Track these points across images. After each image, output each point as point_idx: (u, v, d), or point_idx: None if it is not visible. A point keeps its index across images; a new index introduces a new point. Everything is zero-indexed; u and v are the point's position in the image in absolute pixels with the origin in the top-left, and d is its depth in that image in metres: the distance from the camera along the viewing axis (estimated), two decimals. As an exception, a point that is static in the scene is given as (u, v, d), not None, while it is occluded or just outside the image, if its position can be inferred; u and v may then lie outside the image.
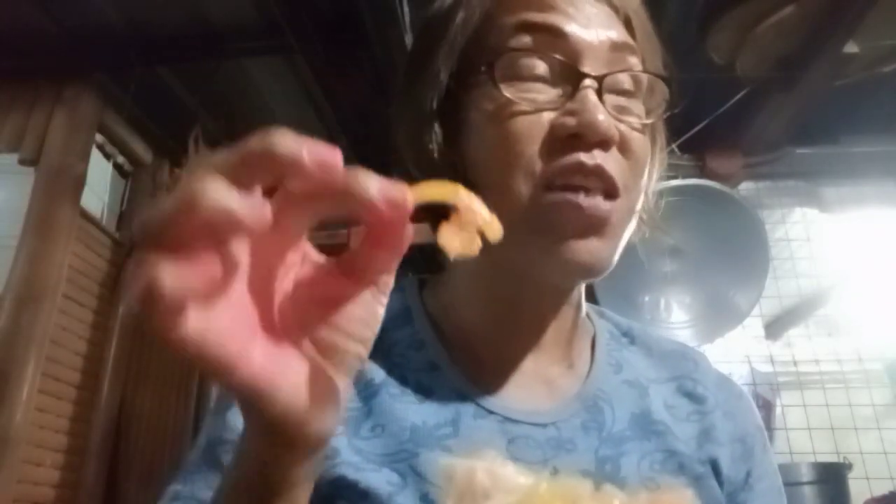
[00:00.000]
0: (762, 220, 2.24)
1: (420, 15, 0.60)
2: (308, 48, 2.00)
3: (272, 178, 0.28)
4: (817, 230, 2.55)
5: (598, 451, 0.51)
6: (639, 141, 0.52)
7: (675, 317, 2.25)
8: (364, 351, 0.33)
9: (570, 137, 0.49)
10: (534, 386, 0.55)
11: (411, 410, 0.51)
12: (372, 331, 0.33)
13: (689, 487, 0.50)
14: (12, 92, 2.23)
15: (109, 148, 2.42)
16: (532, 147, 0.50)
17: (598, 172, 0.49)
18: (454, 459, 0.30)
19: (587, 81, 0.50)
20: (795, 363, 2.40)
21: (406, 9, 1.74)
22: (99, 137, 2.31)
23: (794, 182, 2.60)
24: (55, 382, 2.07)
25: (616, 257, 0.52)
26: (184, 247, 0.26)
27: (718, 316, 2.24)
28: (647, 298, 2.25)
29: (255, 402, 0.29)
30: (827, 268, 2.48)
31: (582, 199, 0.48)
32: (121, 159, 2.49)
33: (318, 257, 0.33)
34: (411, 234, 0.31)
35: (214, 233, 0.27)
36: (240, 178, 0.27)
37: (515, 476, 0.29)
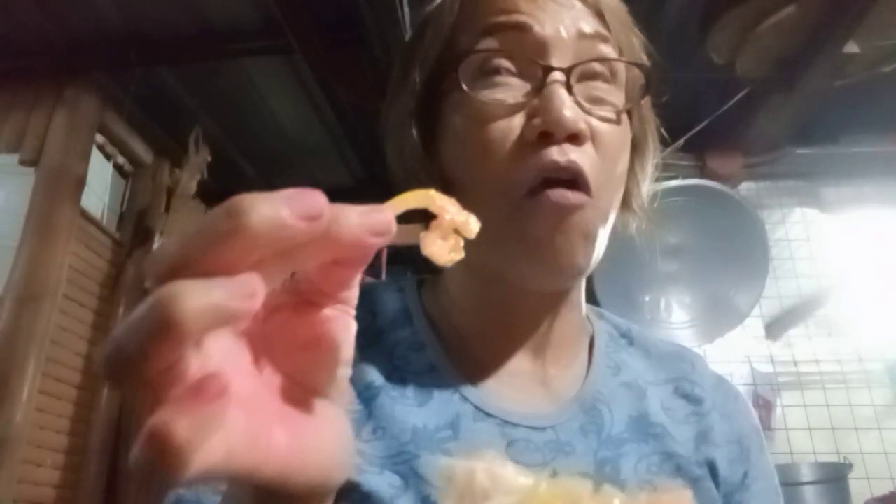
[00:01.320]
0: (762, 220, 2.24)
1: (420, 15, 0.60)
2: (308, 48, 2.00)
3: (252, 255, 0.23)
4: (817, 230, 2.55)
5: (598, 453, 0.51)
6: (612, 133, 0.52)
7: (676, 317, 2.26)
8: (349, 370, 0.30)
9: (539, 136, 0.49)
10: (531, 388, 0.55)
11: (412, 413, 0.50)
12: (351, 346, 0.30)
13: (687, 489, 0.50)
14: (12, 92, 2.24)
15: (109, 148, 2.42)
16: (504, 154, 0.49)
17: (572, 168, 0.48)
18: (454, 460, 0.30)
19: (554, 75, 0.49)
20: (796, 363, 2.40)
21: (406, 9, 1.74)
22: (99, 138, 2.31)
23: (794, 182, 2.60)
24: (55, 383, 2.07)
25: (593, 258, 0.51)
26: (176, 378, 0.22)
27: (719, 316, 2.24)
28: (647, 298, 2.25)
29: (285, 486, 0.26)
30: (827, 268, 2.48)
31: (551, 193, 0.48)
32: (121, 159, 2.49)
33: (276, 298, 0.28)
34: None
35: (201, 344, 0.23)
36: (212, 268, 0.22)
37: (515, 476, 0.29)
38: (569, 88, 0.49)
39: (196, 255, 0.23)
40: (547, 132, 0.48)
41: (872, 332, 2.42)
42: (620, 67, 0.54)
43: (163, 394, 0.22)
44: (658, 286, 2.23)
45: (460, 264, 0.32)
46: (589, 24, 0.53)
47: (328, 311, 0.29)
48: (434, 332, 0.56)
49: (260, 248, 0.23)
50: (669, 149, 2.20)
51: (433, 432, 0.49)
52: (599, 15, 0.54)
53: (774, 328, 2.46)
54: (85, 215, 2.23)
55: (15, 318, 1.96)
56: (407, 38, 0.58)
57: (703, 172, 2.41)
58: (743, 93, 2.13)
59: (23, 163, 2.15)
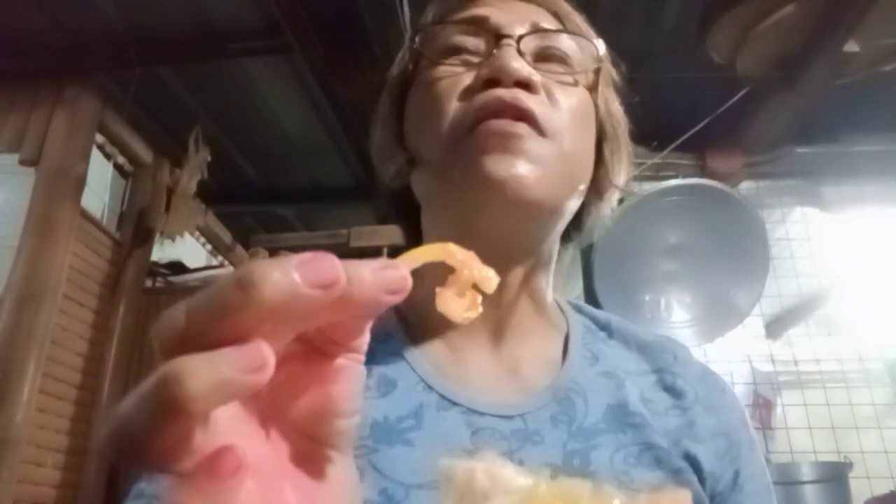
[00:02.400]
0: (762, 219, 2.24)
1: (420, 15, 0.63)
2: (308, 48, 2.00)
3: (265, 326, 0.22)
4: (817, 229, 2.55)
5: (567, 444, 0.50)
6: (570, 94, 0.53)
7: (676, 316, 2.26)
8: (359, 418, 0.29)
9: (486, 83, 0.50)
10: (500, 376, 0.54)
11: (372, 405, 0.50)
12: (360, 395, 0.29)
13: (667, 482, 0.49)
14: (12, 92, 2.24)
15: (109, 148, 2.42)
16: (451, 103, 0.52)
17: (516, 104, 0.49)
18: (453, 460, 0.30)
19: (504, 41, 0.52)
20: (796, 363, 2.40)
21: (406, 9, 1.74)
22: (99, 137, 2.31)
23: (794, 181, 2.60)
24: (56, 382, 2.07)
25: (549, 193, 0.51)
26: (185, 452, 0.22)
27: (719, 315, 2.24)
28: (647, 298, 2.25)
29: None
30: (827, 267, 2.49)
31: (493, 121, 0.49)
32: (121, 159, 2.49)
33: (284, 351, 0.27)
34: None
35: (210, 422, 0.22)
36: (221, 340, 0.22)
37: (515, 477, 0.29)
38: (520, 53, 0.51)
39: (205, 327, 0.22)
40: (493, 78, 0.50)
41: (872, 332, 2.42)
42: (575, 56, 0.56)
43: (172, 468, 0.22)
44: (658, 286, 2.23)
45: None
46: (545, 19, 0.56)
47: (339, 361, 0.27)
48: (401, 323, 0.56)
49: (272, 319, 0.22)
50: (669, 148, 2.20)
51: (395, 423, 0.49)
52: (554, 14, 0.57)
53: (775, 327, 2.46)
54: (85, 215, 2.23)
55: (15, 318, 1.96)
56: (406, 37, 0.60)
57: (703, 172, 2.41)
58: (743, 92, 2.13)
59: (23, 163, 2.15)
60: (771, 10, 1.81)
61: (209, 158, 2.41)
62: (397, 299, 0.25)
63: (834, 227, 2.56)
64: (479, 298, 0.30)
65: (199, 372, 0.21)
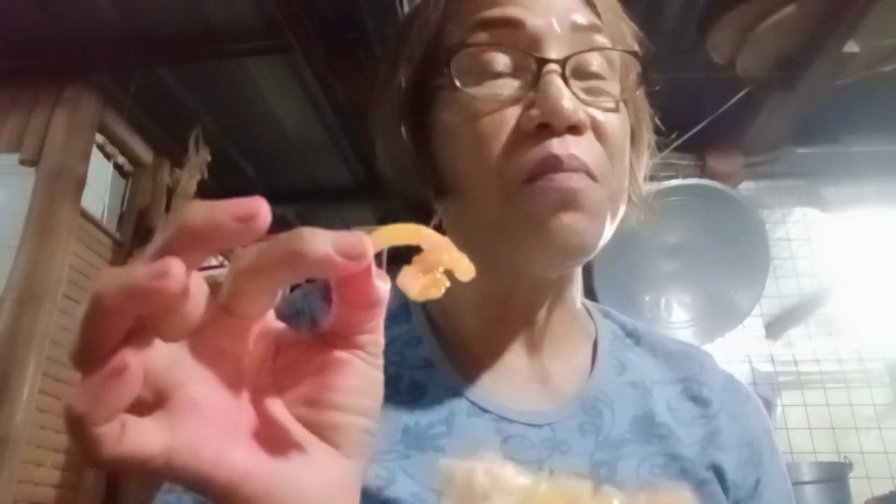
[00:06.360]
0: (762, 219, 2.24)
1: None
2: (308, 48, 2.00)
3: (198, 246, 0.25)
4: (817, 230, 2.55)
5: (594, 454, 0.50)
6: (614, 123, 0.50)
7: (676, 316, 2.26)
8: (369, 422, 0.30)
9: (538, 128, 0.47)
10: (530, 385, 0.54)
11: (403, 411, 0.50)
12: (373, 399, 0.30)
13: (692, 492, 0.49)
14: (12, 92, 2.24)
15: (110, 148, 2.42)
16: (499, 146, 0.48)
17: (573, 164, 0.46)
18: (453, 461, 0.29)
19: (549, 66, 0.48)
20: (796, 363, 2.41)
21: (406, 9, 1.74)
22: (99, 137, 2.31)
23: (794, 182, 2.60)
24: (56, 382, 2.07)
25: (600, 238, 0.50)
26: (103, 357, 0.25)
27: (719, 315, 2.24)
28: (647, 298, 2.25)
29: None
30: (827, 268, 2.49)
31: (554, 176, 0.46)
32: (121, 159, 2.49)
33: (293, 335, 0.30)
34: (386, 287, 0.29)
35: (124, 324, 0.25)
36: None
37: (515, 477, 0.29)
38: (565, 80, 0.47)
39: (153, 255, 0.25)
40: (545, 123, 0.46)
41: (872, 332, 2.42)
42: (615, 57, 0.53)
43: (83, 368, 0.26)
44: (658, 286, 2.23)
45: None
46: (582, 15, 0.51)
47: (337, 353, 0.29)
48: (432, 329, 0.56)
49: (200, 242, 0.25)
50: (669, 148, 2.20)
51: (426, 429, 0.49)
52: (590, 4, 0.52)
53: (775, 327, 2.46)
54: (85, 215, 2.23)
55: (15, 318, 1.96)
56: (419, 41, 0.54)
57: (703, 172, 2.41)
58: (743, 92, 2.13)
59: (23, 163, 2.15)
60: (771, 10, 1.81)
61: (209, 158, 2.41)
62: (353, 265, 0.26)
63: (834, 227, 2.56)
64: (446, 281, 0.30)
65: (113, 276, 0.24)
